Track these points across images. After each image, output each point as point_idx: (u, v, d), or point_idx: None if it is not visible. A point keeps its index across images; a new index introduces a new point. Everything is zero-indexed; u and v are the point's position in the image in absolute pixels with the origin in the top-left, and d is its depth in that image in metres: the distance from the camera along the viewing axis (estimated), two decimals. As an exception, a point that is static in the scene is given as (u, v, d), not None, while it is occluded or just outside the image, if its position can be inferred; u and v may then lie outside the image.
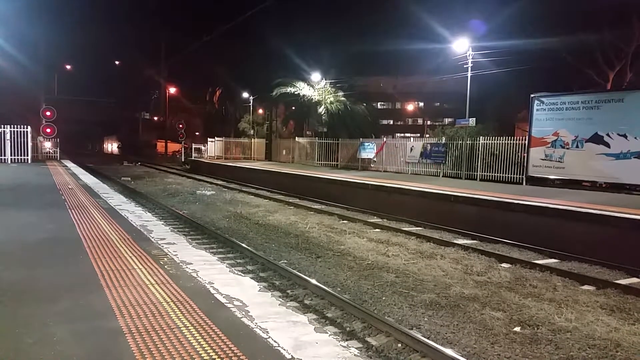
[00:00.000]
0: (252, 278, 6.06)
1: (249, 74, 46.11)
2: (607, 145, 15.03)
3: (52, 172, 18.53)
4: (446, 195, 14.18)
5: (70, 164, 25.32)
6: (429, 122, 61.90)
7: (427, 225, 13.63)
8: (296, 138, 33.85)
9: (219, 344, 3.31)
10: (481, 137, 19.85)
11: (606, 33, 27.66)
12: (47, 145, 29.84)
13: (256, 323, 3.75)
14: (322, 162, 29.32)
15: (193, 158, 42.98)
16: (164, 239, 6.87)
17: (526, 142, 17.75)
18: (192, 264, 5.49)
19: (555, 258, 10.25)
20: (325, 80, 32.44)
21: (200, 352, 3.15)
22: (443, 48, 29.41)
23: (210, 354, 3.13)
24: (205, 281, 4.82)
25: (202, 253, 6.24)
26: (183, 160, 44.56)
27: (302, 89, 31.90)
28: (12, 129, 23.54)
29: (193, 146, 47.08)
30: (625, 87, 27.63)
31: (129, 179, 27.25)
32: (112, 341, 3.31)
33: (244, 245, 10.19)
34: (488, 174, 19.43)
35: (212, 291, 4.51)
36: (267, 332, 3.58)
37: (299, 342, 3.46)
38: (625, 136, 14.62)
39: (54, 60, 42.93)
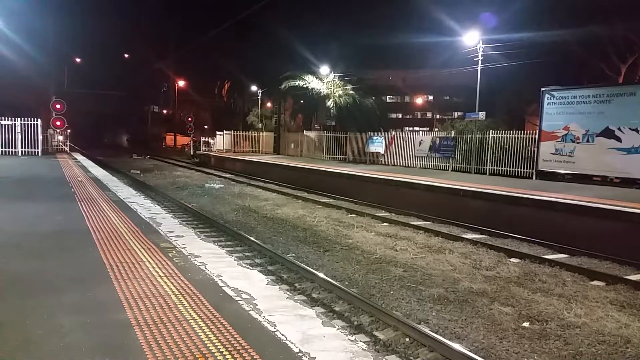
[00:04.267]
0: (260, 271, 6.07)
1: (258, 67, 46.07)
2: (619, 139, 14.86)
3: (61, 165, 18.66)
4: (455, 190, 14.11)
5: (79, 157, 25.49)
6: (438, 116, 61.63)
7: (436, 219, 13.57)
8: (304, 131, 33.81)
9: (227, 337, 3.31)
10: (491, 131, 19.71)
11: (618, 25, 27.29)
12: (60, 138, 30.01)
13: (264, 316, 3.75)
14: (331, 156, 29.27)
15: (202, 151, 43.09)
16: (173, 231, 6.90)
17: (536, 136, 17.59)
18: (200, 256, 5.51)
19: (564, 253, 10.18)
20: (334, 73, 32.33)
21: (208, 345, 3.16)
22: (453, 41, 29.21)
23: (218, 347, 3.13)
24: (213, 274, 4.83)
25: (210, 246, 6.26)
26: (192, 153, 44.69)
27: (311, 82, 31.79)
28: (22, 122, 23.70)
29: (202, 139, 47.19)
30: (637, 80, 27.29)
31: (138, 171, 27.39)
32: (120, 333, 3.33)
33: (252, 238, 10.20)
34: (498, 168, 19.31)
35: (221, 284, 4.52)
36: (275, 325, 3.58)
37: (307, 335, 3.46)
38: (637, 130, 14.45)
39: (63, 53, 43.10)
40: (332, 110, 30.64)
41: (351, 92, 31.41)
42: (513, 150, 18.80)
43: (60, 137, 30.24)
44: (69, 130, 29.93)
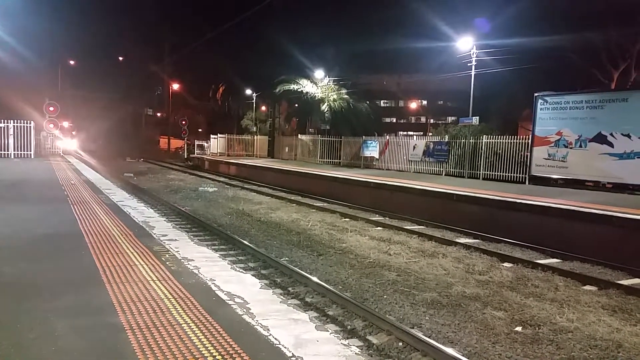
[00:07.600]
0: (253, 275, 6.06)
1: (252, 70, 46.19)
2: (611, 145, 14.97)
3: (54, 168, 18.55)
4: (448, 194, 14.16)
5: (73, 160, 25.36)
6: (432, 121, 61.90)
7: (429, 223, 13.61)
8: (299, 135, 33.85)
9: (220, 341, 3.30)
10: (484, 136, 19.80)
11: (611, 32, 27.57)
12: (74, 142, 29.83)
13: (257, 320, 3.74)
14: (325, 160, 29.29)
15: (196, 155, 43.01)
16: (166, 235, 6.86)
17: (529, 141, 17.69)
18: (193, 260, 5.49)
19: (557, 258, 10.23)
20: (329, 77, 32.44)
21: (201, 349, 3.15)
22: (447, 46, 29.44)
23: (211, 351, 3.12)
24: (206, 278, 4.81)
25: (203, 250, 6.24)
26: (186, 156, 44.58)
27: (305, 86, 31.87)
28: (15, 124, 23.56)
29: (196, 143, 47.11)
30: (629, 86, 27.53)
31: (132, 175, 27.28)
32: (113, 337, 3.31)
33: (245, 242, 10.19)
34: (491, 173, 19.38)
35: (214, 288, 4.51)
36: (268, 329, 3.57)
37: (300, 340, 3.45)
38: (629, 136, 14.56)
39: (58, 55, 42.99)
40: (326, 115, 30.71)
41: (346, 96, 31.50)
42: (506, 155, 18.88)
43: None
44: (59, 134, 29.73)
